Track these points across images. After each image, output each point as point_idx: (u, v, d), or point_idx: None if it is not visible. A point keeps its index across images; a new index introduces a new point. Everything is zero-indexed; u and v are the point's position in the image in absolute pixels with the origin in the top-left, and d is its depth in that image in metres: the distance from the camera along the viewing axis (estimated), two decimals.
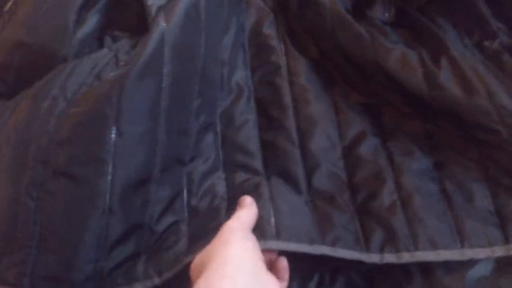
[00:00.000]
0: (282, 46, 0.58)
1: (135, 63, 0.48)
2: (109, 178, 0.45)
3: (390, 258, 0.44)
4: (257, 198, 0.46)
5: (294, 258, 0.44)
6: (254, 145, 0.52)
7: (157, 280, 0.44)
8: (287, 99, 0.54)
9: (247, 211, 0.43)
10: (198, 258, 0.39)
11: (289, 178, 0.50)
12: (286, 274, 0.43)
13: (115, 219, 0.44)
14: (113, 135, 0.46)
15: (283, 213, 0.45)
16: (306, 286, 0.48)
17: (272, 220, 0.44)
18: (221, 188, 0.50)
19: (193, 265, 0.39)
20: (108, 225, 0.44)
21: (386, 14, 0.58)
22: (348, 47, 0.55)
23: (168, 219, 0.48)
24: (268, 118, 0.54)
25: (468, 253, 0.44)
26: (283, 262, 0.43)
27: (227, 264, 0.35)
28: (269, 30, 0.59)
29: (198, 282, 0.34)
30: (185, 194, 0.50)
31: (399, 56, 0.52)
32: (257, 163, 0.51)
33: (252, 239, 0.40)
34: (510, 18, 0.55)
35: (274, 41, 0.58)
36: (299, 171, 0.50)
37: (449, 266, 0.47)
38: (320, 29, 0.57)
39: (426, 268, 0.47)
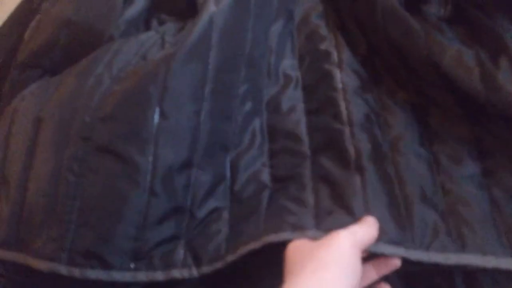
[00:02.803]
0: (332, 37, 0.57)
1: (182, 45, 0.48)
2: (150, 158, 0.44)
3: (436, 257, 0.42)
4: (300, 181, 0.44)
5: None
6: (301, 129, 0.51)
7: (195, 272, 0.43)
8: (338, 84, 0.52)
9: (365, 229, 0.40)
10: (304, 247, 0.38)
11: (339, 156, 0.48)
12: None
13: (156, 199, 0.44)
14: (156, 116, 0.46)
15: None
16: None
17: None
18: (265, 175, 0.49)
19: (295, 246, 0.38)
20: (149, 204, 0.44)
21: (442, 10, 0.55)
22: (400, 42, 0.53)
23: (210, 205, 0.47)
24: (316, 103, 0.52)
25: None
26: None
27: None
28: (318, 21, 0.58)
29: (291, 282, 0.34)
30: (228, 181, 0.49)
31: (454, 54, 0.50)
32: (304, 147, 0.49)
33: (355, 271, 0.36)
34: None
35: (323, 31, 0.57)
36: (349, 148, 0.48)
37: (494, 277, 0.45)
38: (370, 22, 0.56)
39: (468, 275, 0.45)
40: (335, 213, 0.43)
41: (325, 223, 0.42)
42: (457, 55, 0.50)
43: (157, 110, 0.46)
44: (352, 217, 0.42)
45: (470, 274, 0.45)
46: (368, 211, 0.43)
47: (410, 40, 0.52)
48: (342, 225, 0.40)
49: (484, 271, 0.45)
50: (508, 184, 0.46)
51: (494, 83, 0.47)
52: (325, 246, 0.36)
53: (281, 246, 0.40)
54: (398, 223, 0.43)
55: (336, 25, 0.59)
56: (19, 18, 0.64)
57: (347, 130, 0.49)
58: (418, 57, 0.52)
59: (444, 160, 0.49)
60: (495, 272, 0.44)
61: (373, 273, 0.42)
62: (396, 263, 0.41)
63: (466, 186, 0.47)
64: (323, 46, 0.56)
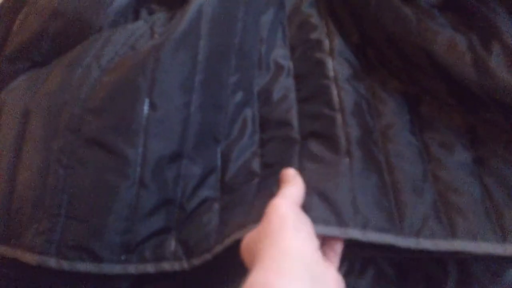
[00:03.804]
0: (324, 26, 0.56)
1: (171, 35, 0.47)
2: (140, 149, 0.44)
3: (425, 244, 0.41)
4: (288, 165, 0.44)
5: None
6: (292, 116, 0.50)
7: (185, 264, 0.43)
8: (330, 72, 0.52)
9: (292, 187, 0.40)
10: (251, 238, 0.37)
11: (330, 141, 0.47)
12: (336, 259, 0.40)
13: (146, 191, 0.44)
14: (145, 107, 0.45)
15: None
16: None
17: None
18: (255, 164, 0.48)
19: (244, 244, 0.37)
20: (139, 197, 0.43)
21: None
22: (392, 29, 0.52)
23: (201, 196, 0.47)
24: (308, 91, 0.52)
25: (511, 249, 0.41)
26: (337, 248, 0.40)
27: (284, 258, 0.32)
28: (310, 10, 0.58)
29: (253, 275, 0.32)
30: (219, 172, 0.48)
31: (446, 40, 0.49)
32: (294, 132, 0.49)
33: (305, 222, 0.37)
34: None
35: (315, 20, 0.56)
36: (340, 134, 0.47)
37: (486, 264, 0.45)
38: (362, 10, 0.55)
39: (462, 264, 0.45)
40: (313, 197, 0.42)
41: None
42: (449, 41, 0.49)
43: (147, 101, 0.45)
44: (327, 203, 0.42)
45: (463, 262, 0.45)
46: (354, 196, 0.43)
47: (402, 27, 0.52)
48: (320, 208, 0.40)
49: (476, 259, 0.44)
50: (500, 172, 0.46)
51: (486, 69, 0.47)
52: (268, 220, 0.36)
53: None
54: (386, 210, 0.43)
55: (327, 13, 0.58)
56: (7, 10, 0.64)
57: (339, 116, 0.49)
58: (410, 44, 0.51)
59: (435, 148, 0.48)
60: (487, 260, 0.44)
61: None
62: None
63: (457, 174, 0.46)
64: (314, 35, 0.55)
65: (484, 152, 0.48)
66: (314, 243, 0.36)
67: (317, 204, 0.41)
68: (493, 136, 0.48)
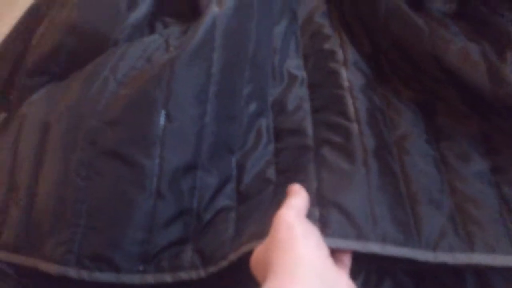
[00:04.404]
0: (337, 36, 0.57)
1: (186, 47, 0.48)
2: (157, 161, 0.44)
3: (444, 257, 0.41)
4: (304, 172, 0.44)
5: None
6: (307, 124, 0.50)
7: (202, 273, 0.43)
8: (344, 82, 0.52)
9: (297, 198, 0.40)
10: (260, 252, 0.37)
11: (345, 151, 0.47)
12: (346, 271, 0.39)
13: (163, 202, 0.44)
14: (161, 119, 0.46)
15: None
16: None
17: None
18: (270, 172, 0.48)
19: (254, 258, 0.37)
20: (156, 207, 0.44)
21: (447, 5, 0.55)
22: (403, 39, 0.53)
23: (217, 206, 0.47)
24: (322, 101, 0.52)
25: None
26: (346, 260, 0.40)
27: (297, 267, 0.32)
28: (322, 20, 0.58)
29: (267, 284, 0.32)
30: (234, 182, 0.49)
31: (459, 49, 0.49)
32: (309, 140, 0.49)
33: (312, 230, 0.37)
34: None
35: (328, 30, 0.57)
36: (357, 144, 0.47)
37: (505, 276, 0.44)
38: (373, 20, 0.55)
39: (480, 275, 0.44)
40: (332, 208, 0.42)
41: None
42: (463, 51, 0.49)
43: (163, 113, 0.46)
44: (345, 216, 0.42)
45: (481, 272, 0.45)
46: (372, 208, 0.43)
47: (414, 36, 0.52)
48: (338, 222, 0.40)
49: (494, 269, 0.44)
50: None
51: (500, 78, 0.47)
52: (276, 230, 0.36)
53: None
54: (403, 222, 0.43)
55: (340, 24, 0.59)
56: (27, 24, 0.65)
57: (355, 126, 0.49)
58: (422, 53, 0.51)
59: (452, 158, 0.48)
60: (505, 271, 0.44)
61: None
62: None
63: (474, 184, 0.46)
64: (327, 45, 0.56)
65: (501, 161, 0.47)
66: (324, 250, 0.36)
67: (335, 217, 0.41)
68: (509, 144, 0.48)
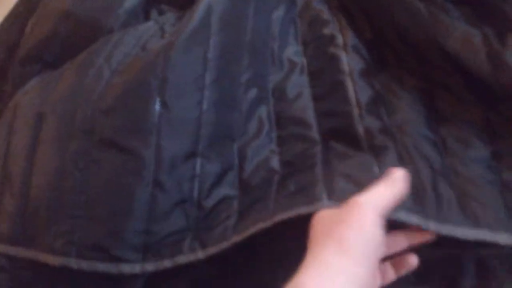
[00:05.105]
0: (336, 21, 0.56)
1: (181, 33, 0.47)
2: (153, 149, 0.44)
3: (452, 231, 0.40)
4: (311, 163, 0.43)
5: None
6: (309, 115, 0.50)
7: (200, 254, 0.42)
8: (345, 66, 0.51)
9: (390, 190, 0.36)
10: (327, 215, 0.36)
11: (350, 138, 0.47)
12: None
13: (162, 191, 0.44)
14: (157, 106, 0.45)
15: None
16: None
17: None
18: (274, 162, 0.48)
19: (317, 218, 0.36)
20: (155, 197, 0.43)
21: None
22: (405, 25, 0.52)
23: (218, 195, 0.46)
24: (323, 87, 0.51)
25: None
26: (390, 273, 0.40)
27: (348, 253, 0.33)
28: (320, 6, 0.57)
29: (314, 255, 0.33)
30: (236, 170, 0.48)
31: (460, 34, 0.49)
32: (314, 132, 0.48)
33: (381, 236, 0.34)
34: None
35: (327, 16, 0.56)
36: (359, 128, 0.47)
37: (504, 261, 0.44)
38: (374, 5, 0.54)
39: (480, 260, 0.45)
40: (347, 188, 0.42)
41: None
42: (464, 35, 0.49)
43: (158, 100, 0.45)
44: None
45: (480, 260, 0.45)
46: None
47: (415, 21, 0.51)
48: None
49: (498, 259, 0.44)
50: None
51: (501, 63, 0.46)
52: (346, 222, 0.34)
53: (288, 241, 0.39)
54: (413, 195, 0.42)
55: (338, 9, 0.57)
56: (20, 13, 0.64)
57: (356, 111, 0.48)
58: (423, 39, 0.50)
59: (452, 143, 0.48)
60: (506, 260, 0.44)
61: (404, 242, 0.40)
62: (429, 235, 0.39)
63: (475, 169, 0.46)
64: (327, 30, 0.54)
65: (502, 147, 0.47)
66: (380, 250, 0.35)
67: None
68: (510, 130, 0.47)
